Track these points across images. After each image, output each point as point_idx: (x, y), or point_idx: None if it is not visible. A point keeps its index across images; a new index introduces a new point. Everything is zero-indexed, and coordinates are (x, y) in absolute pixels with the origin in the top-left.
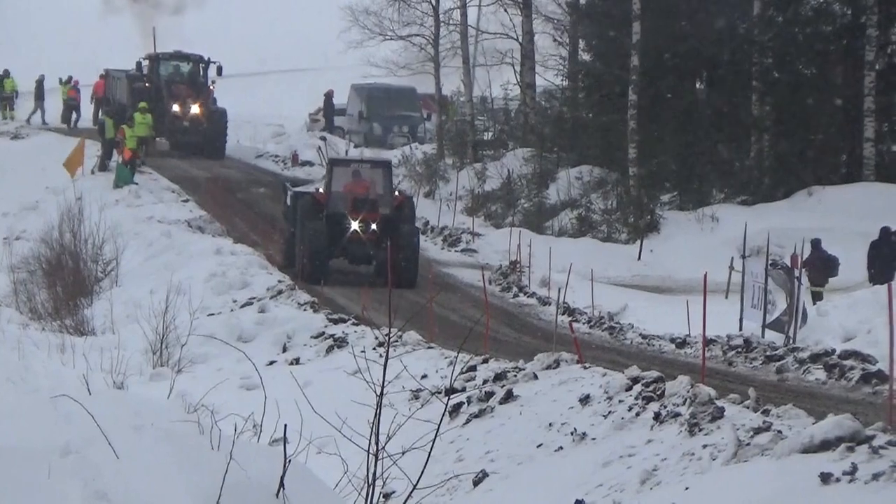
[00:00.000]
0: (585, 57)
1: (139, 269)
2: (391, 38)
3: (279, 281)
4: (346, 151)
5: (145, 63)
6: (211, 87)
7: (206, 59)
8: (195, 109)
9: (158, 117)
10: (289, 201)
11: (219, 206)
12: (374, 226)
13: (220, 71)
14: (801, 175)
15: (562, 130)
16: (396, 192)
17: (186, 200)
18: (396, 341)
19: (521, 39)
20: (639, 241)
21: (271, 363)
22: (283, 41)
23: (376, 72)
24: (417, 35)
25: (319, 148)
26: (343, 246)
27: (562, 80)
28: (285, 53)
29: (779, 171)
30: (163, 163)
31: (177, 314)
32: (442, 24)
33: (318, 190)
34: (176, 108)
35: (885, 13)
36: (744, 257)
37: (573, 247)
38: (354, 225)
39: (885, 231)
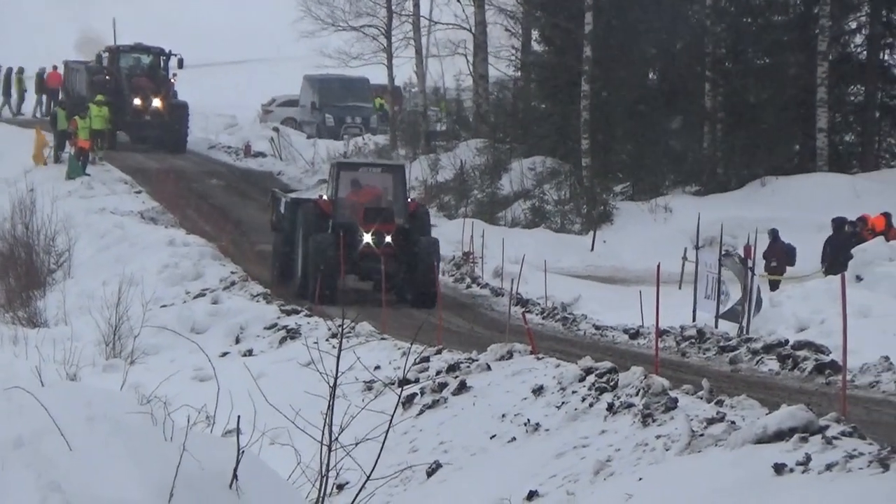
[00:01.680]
0: (538, 48)
1: (92, 261)
2: (344, 29)
3: (232, 272)
4: (346, 153)
5: (105, 55)
6: (172, 80)
7: (167, 51)
8: (157, 103)
9: (119, 111)
10: (282, 210)
11: (171, 197)
12: (388, 238)
13: (181, 63)
14: (754, 165)
15: (514, 121)
16: (409, 199)
17: (139, 192)
18: (349, 332)
19: (473, 30)
20: (592, 232)
21: (224, 354)
22: (234, 32)
23: (329, 62)
24: (370, 26)
25: (272, 139)
26: (354, 261)
27: (514, 70)
28: (237, 44)
29: (732, 161)
30: (115, 154)
31: (129, 305)
32: (394, 14)
33: (321, 197)
34: (137, 101)
35: (837, 3)
36: (697, 248)
37: (526, 238)
38: (367, 237)
39: (839, 222)
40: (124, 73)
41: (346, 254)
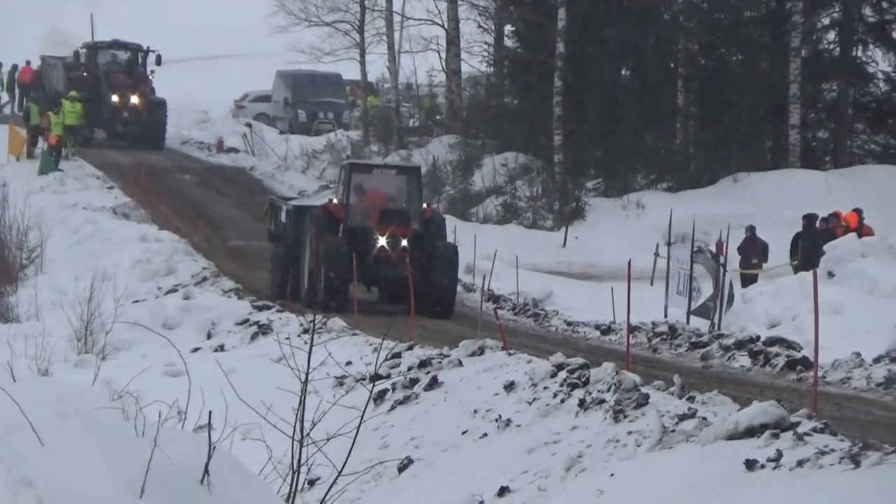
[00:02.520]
0: (510, 43)
1: (64, 256)
2: (316, 24)
3: (204, 268)
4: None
5: (83, 51)
6: (150, 77)
7: (144, 48)
8: (135, 100)
9: (97, 108)
10: (283, 218)
11: (144, 192)
12: (404, 242)
13: (158, 60)
14: (726, 161)
15: (487, 117)
16: (424, 205)
17: (111, 187)
18: (321, 328)
19: (446, 26)
20: (564, 228)
21: (196, 350)
22: (207, 27)
23: (302, 58)
24: (343, 21)
25: (245, 134)
26: (368, 266)
27: (487, 66)
28: (210, 39)
29: (704, 157)
30: (88, 149)
31: (101, 301)
32: (367, 10)
33: (331, 201)
34: (115, 98)
35: (810, 0)
36: (669, 244)
37: (498, 233)
38: (382, 241)
39: (811, 218)
40: (102, 69)
41: (358, 260)
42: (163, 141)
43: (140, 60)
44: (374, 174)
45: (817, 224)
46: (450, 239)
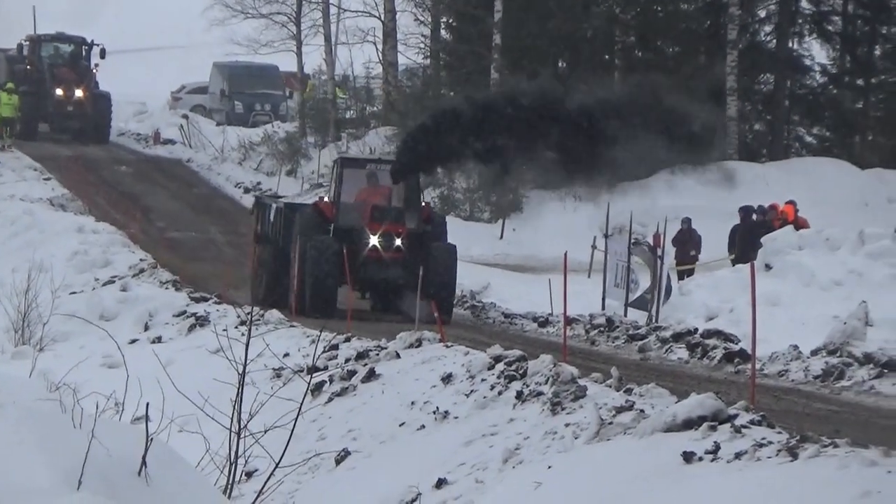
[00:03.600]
0: (447, 36)
1: (1, 248)
2: (253, 16)
3: (141, 259)
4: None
5: (26, 44)
6: (94, 71)
7: (89, 41)
8: (79, 94)
9: (41, 101)
10: (272, 217)
11: (81, 184)
12: (398, 241)
13: (103, 53)
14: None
15: (423, 109)
16: (423, 203)
17: (48, 179)
18: (258, 320)
19: (383, 17)
20: (501, 221)
21: (133, 342)
22: (144, 18)
23: (238, 50)
24: (279, 13)
25: (181, 126)
26: (359, 267)
27: (424, 58)
28: (147, 31)
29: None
30: (24, 141)
31: (39, 292)
32: (304, 1)
33: (321, 199)
34: (59, 92)
35: None
36: (606, 236)
37: None
38: (374, 240)
39: (747, 210)
40: (46, 62)
41: (349, 262)
42: (108, 134)
43: (84, 53)
44: (367, 169)
45: (753, 216)
46: None
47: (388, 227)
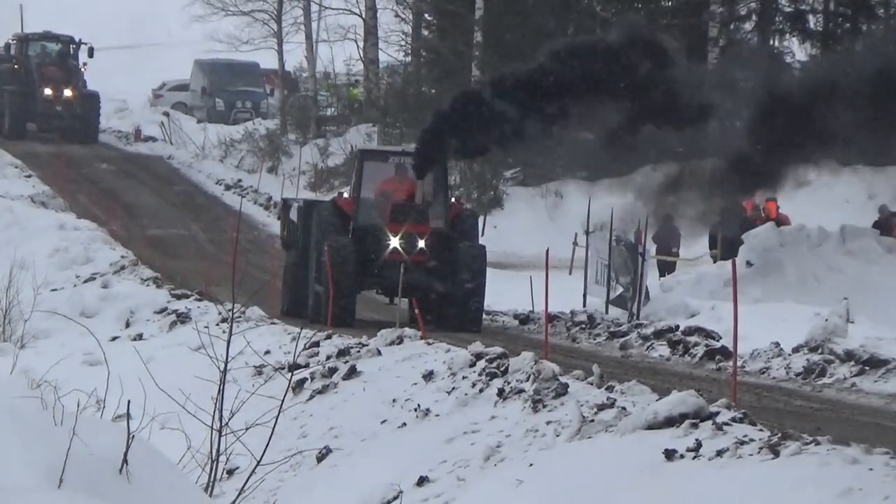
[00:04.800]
0: (427, 33)
1: None
2: (234, 13)
3: (122, 256)
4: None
5: (13, 43)
6: (82, 70)
7: (77, 39)
8: (68, 93)
9: (29, 101)
10: (295, 217)
11: (62, 181)
12: (421, 243)
13: (91, 52)
14: (645, 151)
15: (405, 106)
16: (452, 199)
17: (29, 176)
18: (240, 317)
19: (363, 15)
20: (482, 217)
21: (114, 339)
22: (125, 15)
23: (219, 47)
24: (261, 10)
25: (162, 123)
26: (377, 270)
27: (405, 55)
28: (127, 28)
29: (622, 146)
30: (13, 141)
31: (20, 289)
32: None
33: (340, 195)
34: (48, 91)
35: None
36: (587, 233)
37: None
38: (394, 241)
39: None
40: (34, 62)
41: (368, 263)
42: (96, 134)
43: (72, 52)
44: (390, 162)
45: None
46: None
47: (411, 227)
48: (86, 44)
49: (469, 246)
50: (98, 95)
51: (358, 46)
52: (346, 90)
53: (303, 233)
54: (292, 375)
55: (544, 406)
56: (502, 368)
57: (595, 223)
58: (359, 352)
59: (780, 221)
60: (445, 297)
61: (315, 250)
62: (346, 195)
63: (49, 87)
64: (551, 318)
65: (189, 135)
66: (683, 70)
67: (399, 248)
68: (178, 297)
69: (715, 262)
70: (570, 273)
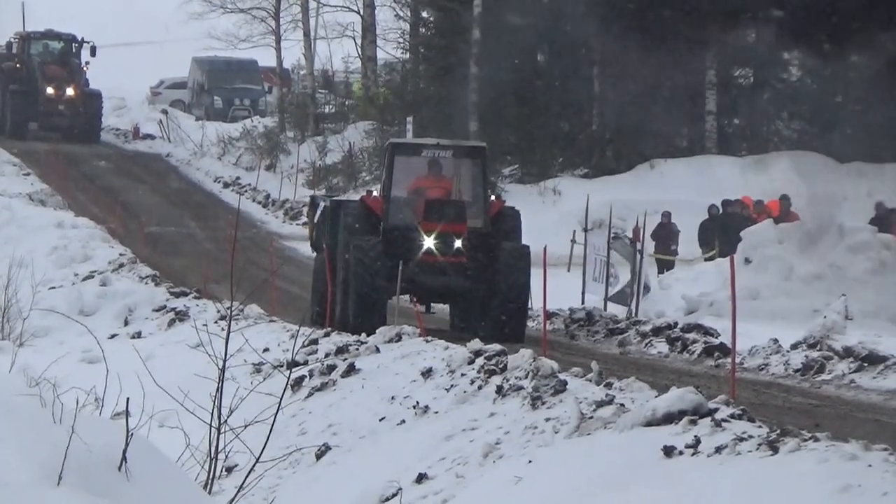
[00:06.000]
0: (425, 30)
1: None
2: (232, 11)
3: (121, 254)
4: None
5: (15, 42)
6: (84, 68)
7: (79, 38)
8: (70, 92)
9: (31, 100)
10: (322, 217)
11: (60, 179)
12: (458, 243)
13: (93, 51)
14: (642, 148)
15: (403, 103)
16: (493, 197)
17: (28, 174)
18: (238, 315)
19: (362, 12)
20: None
21: (113, 336)
22: (123, 13)
23: (217, 45)
24: (258, 8)
25: (161, 121)
26: (411, 274)
27: (403, 53)
28: (125, 25)
29: (620, 143)
30: (14, 141)
31: (18, 287)
32: None
33: (369, 192)
34: (50, 90)
35: None
36: (586, 230)
37: None
38: (428, 242)
39: (715, 206)
40: (36, 60)
41: (399, 266)
42: (98, 133)
43: (74, 51)
44: (423, 156)
45: (710, 210)
46: None
47: (447, 226)
48: (88, 42)
49: (511, 246)
50: (101, 94)
51: (356, 44)
52: (344, 87)
53: (330, 234)
54: (291, 373)
55: (543, 403)
56: (501, 365)
57: (593, 220)
58: (357, 349)
59: (792, 220)
60: (484, 304)
61: (342, 253)
62: (375, 193)
63: (51, 86)
64: (550, 315)
65: (187, 132)
66: None
67: (433, 249)
68: (177, 295)
69: (704, 261)
70: (568, 270)
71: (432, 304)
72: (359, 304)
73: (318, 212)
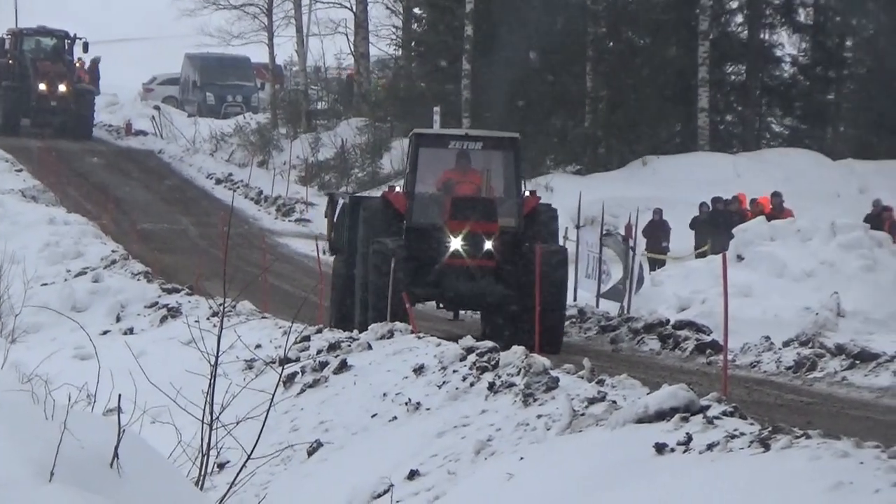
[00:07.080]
0: (418, 27)
1: None
2: (224, 7)
3: (113, 251)
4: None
5: (7, 38)
6: (77, 65)
7: (71, 34)
8: (63, 88)
9: (23, 96)
10: (341, 215)
11: (52, 175)
12: (488, 244)
13: (86, 47)
14: (635, 145)
15: (395, 100)
16: (527, 192)
17: (20, 170)
18: (230, 311)
19: (354, 9)
20: None
21: (105, 333)
22: (114, 9)
23: (210, 41)
24: (251, 4)
25: (153, 117)
26: (436, 277)
27: (395, 49)
28: (117, 22)
29: (613, 140)
30: (6, 137)
31: (10, 284)
32: None
33: (391, 188)
34: (42, 87)
35: None
36: (578, 227)
37: None
38: (455, 243)
39: (706, 204)
40: (28, 56)
41: (424, 269)
42: (91, 130)
43: (67, 47)
44: (451, 149)
45: (718, 206)
46: None
47: (476, 225)
48: (81, 38)
49: (547, 249)
50: (93, 91)
51: (349, 40)
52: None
53: (349, 234)
54: (283, 369)
55: (535, 400)
56: (493, 362)
57: (586, 217)
58: (349, 346)
59: (786, 217)
60: (516, 313)
61: (362, 254)
62: (398, 189)
63: (44, 82)
64: None
65: (180, 129)
66: None
67: (461, 251)
68: (169, 292)
69: (704, 256)
70: None
71: (460, 311)
72: (378, 310)
73: (338, 209)
